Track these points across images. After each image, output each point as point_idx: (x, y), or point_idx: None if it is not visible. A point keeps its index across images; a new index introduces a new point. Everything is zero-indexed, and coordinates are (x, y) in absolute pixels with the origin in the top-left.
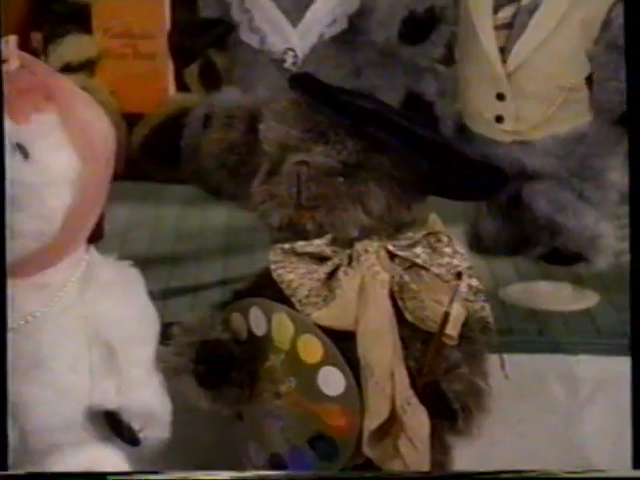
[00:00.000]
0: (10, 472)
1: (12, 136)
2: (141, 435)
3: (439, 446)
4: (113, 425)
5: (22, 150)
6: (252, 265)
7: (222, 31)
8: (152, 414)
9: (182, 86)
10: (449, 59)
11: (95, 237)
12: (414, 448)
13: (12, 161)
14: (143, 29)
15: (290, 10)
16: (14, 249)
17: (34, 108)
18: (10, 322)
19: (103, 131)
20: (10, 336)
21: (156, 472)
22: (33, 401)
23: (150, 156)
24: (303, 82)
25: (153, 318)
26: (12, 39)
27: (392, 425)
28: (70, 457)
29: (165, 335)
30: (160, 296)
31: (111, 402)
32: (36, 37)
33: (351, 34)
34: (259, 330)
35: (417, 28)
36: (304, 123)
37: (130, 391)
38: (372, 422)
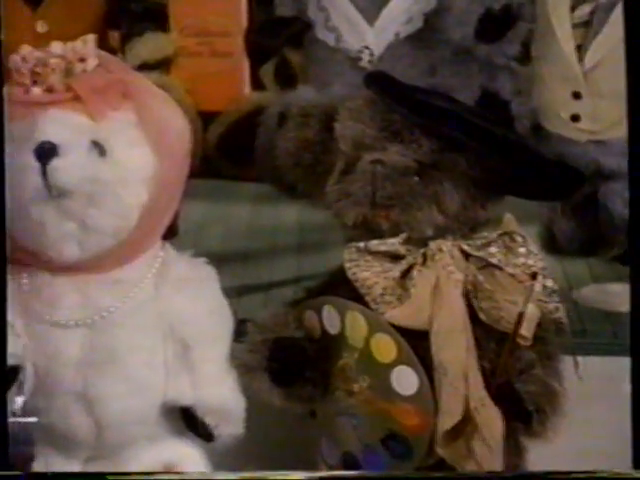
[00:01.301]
0: (10, 472)
1: (89, 134)
2: (215, 431)
3: (513, 447)
4: (188, 421)
5: (99, 148)
6: (325, 263)
7: (298, 29)
8: (226, 410)
9: (257, 84)
10: (525, 57)
11: (170, 234)
12: (488, 449)
13: (89, 159)
14: (220, 27)
15: (366, 8)
16: (90, 245)
17: (111, 106)
18: (85, 317)
19: (179, 129)
20: (85, 331)
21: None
22: (108, 395)
23: (225, 154)
24: (379, 81)
25: (227, 315)
26: (91, 38)
27: (466, 425)
28: (146, 452)
29: (239, 332)
30: (233, 293)
31: (186, 398)
32: (114, 36)
33: (427, 32)
34: (333, 328)
35: (494, 26)
36: (379, 122)
37: (204, 387)
38: (446, 422)
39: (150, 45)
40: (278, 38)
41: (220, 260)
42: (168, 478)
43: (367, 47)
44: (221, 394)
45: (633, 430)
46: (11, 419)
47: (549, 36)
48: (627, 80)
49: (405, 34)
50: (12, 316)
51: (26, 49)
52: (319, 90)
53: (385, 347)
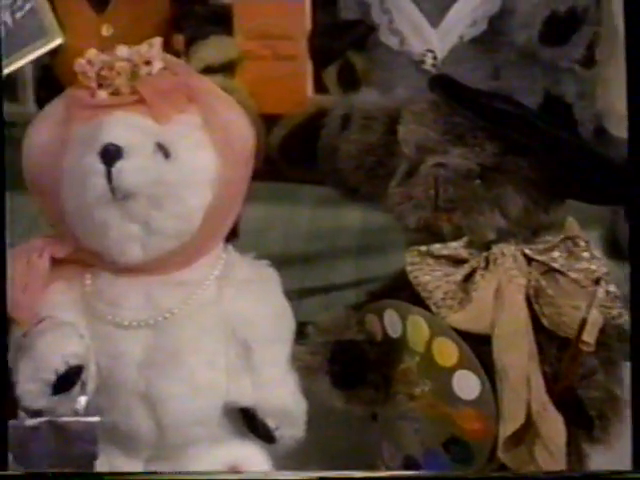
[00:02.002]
0: (10, 472)
1: (154, 136)
2: (276, 433)
3: (575, 453)
4: (249, 422)
5: (163, 150)
6: (386, 266)
7: (362, 32)
8: (287, 412)
9: (320, 87)
10: (589, 60)
11: (232, 236)
12: (550, 455)
13: (154, 161)
14: (283, 31)
15: (430, 11)
16: (154, 247)
17: (176, 109)
18: (148, 318)
19: (243, 132)
20: (148, 332)
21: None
22: (170, 396)
23: (287, 156)
24: (442, 84)
25: (289, 317)
26: (157, 41)
27: (528, 431)
28: (208, 453)
29: (300, 334)
30: (294, 296)
31: (247, 399)
32: (178, 39)
33: (491, 35)
34: (394, 332)
35: (558, 29)
36: (443, 125)
37: (265, 389)
38: (507, 427)
39: (214, 48)
40: (342, 41)
41: (281, 262)
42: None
43: (431, 50)
44: (282, 396)
45: (633, 430)
46: (74, 418)
47: (614, 39)
48: (627, 79)
49: (469, 37)
50: (75, 316)
51: (92, 53)
52: (382, 93)
53: (446, 351)
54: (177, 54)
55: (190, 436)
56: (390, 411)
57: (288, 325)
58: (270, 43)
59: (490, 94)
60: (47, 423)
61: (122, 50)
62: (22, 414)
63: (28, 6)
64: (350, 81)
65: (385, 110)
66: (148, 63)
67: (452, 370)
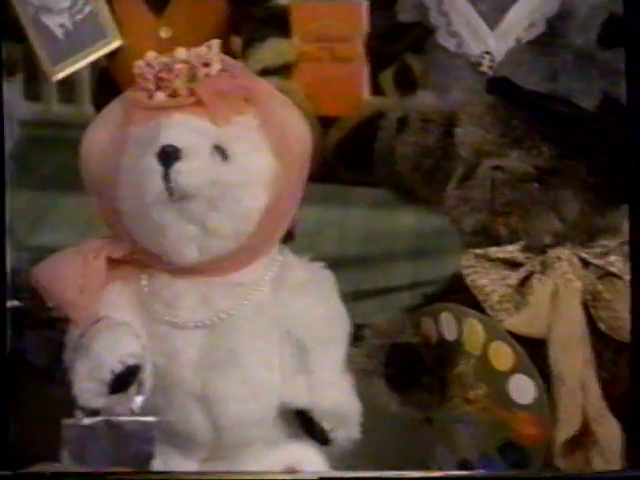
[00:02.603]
0: (10, 472)
1: (212, 138)
2: (331, 435)
3: (632, 459)
4: (304, 424)
5: (221, 152)
6: (442, 269)
7: (419, 35)
8: (342, 414)
9: (377, 90)
10: None
11: (287, 238)
12: (606, 461)
13: (211, 163)
14: (341, 33)
15: (488, 13)
16: (210, 248)
17: (234, 110)
18: (205, 318)
19: (301, 133)
20: (204, 332)
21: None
22: (226, 397)
23: (343, 159)
24: (500, 86)
25: (344, 319)
26: (215, 43)
27: (584, 437)
28: (264, 454)
29: (356, 337)
30: (350, 298)
31: (302, 401)
32: (235, 41)
33: (549, 37)
34: (450, 335)
35: (617, 31)
36: (500, 127)
37: (321, 391)
38: (563, 432)
39: (272, 50)
40: (399, 43)
41: (336, 265)
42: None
43: (488, 52)
44: (337, 398)
45: (633, 430)
46: (131, 418)
47: None
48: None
49: (527, 39)
50: (131, 316)
51: (151, 55)
52: (439, 95)
53: (502, 355)
54: (234, 56)
55: (246, 437)
56: (445, 414)
57: (343, 327)
58: (327, 45)
59: (547, 96)
60: (103, 422)
61: (181, 52)
62: (79, 413)
63: (88, 9)
64: (407, 83)
65: (442, 112)
66: (207, 65)
67: (508, 374)
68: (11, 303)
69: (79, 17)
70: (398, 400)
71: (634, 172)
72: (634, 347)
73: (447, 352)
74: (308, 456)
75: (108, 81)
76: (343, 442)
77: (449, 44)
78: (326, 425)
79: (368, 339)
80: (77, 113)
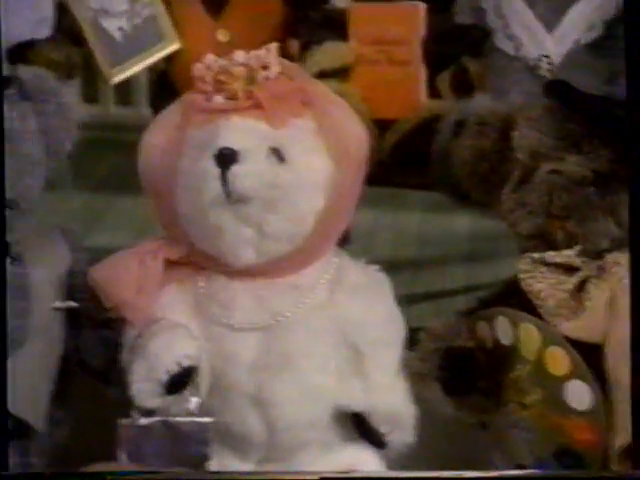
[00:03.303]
0: (10, 472)
1: (269, 141)
2: (387, 438)
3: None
4: (359, 427)
5: (278, 154)
6: (497, 273)
7: (477, 37)
8: (398, 418)
9: (433, 92)
10: None
11: (342, 241)
12: None
13: (268, 165)
14: (398, 35)
15: (546, 16)
16: (267, 251)
17: (292, 113)
18: (261, 321)
19: (357, 136)
20: (260, 334)
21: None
22: (281, 399)
23: (399, 161)
24: (558, 89)
25: (399, 323)
26: (274, 46)
27: None
28: (319, 457)
29: (411, 340)
30: (404, 301)
31: (357, 404)
32: (292, 44)
33: (607, 40)
34: (505, 339)
35: None
36: (558, 131)
37: (376, 394)
38: (620, 439)
39: (329, 53)
40: (456, 46)
41: (390, 267)
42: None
43: (546, 55)
44: (393, 402)
45: (633, 430)
46: (187, 418)
47: None
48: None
49: (585, 42)
50: (188, 318)
51: (210, 57)
52: (496, 98)
53: (558, 360)
54: (291, 59)
55: (301, 439)
56: (501, 419)
57: (399, 330)
58: (384, 48)
59: (605, 100)
60: (160, 423)
61: (239, 55)
62: (135, 414)
63: (146, 12)
64: (464, 86)
65: (499, 116)
66: (265, 68)
67: (564, 379)
68: (68, 304)
69: (137, 20)
70: (453, 404)
71: (634, 172)
72: (634, 347)
73: (503, 357)
74: (364, 459)
75: (166, 84)
76: (398, 446)
77: (507, 47)
78: (381, 428)
79: (423, 343)
80: (134, 115)
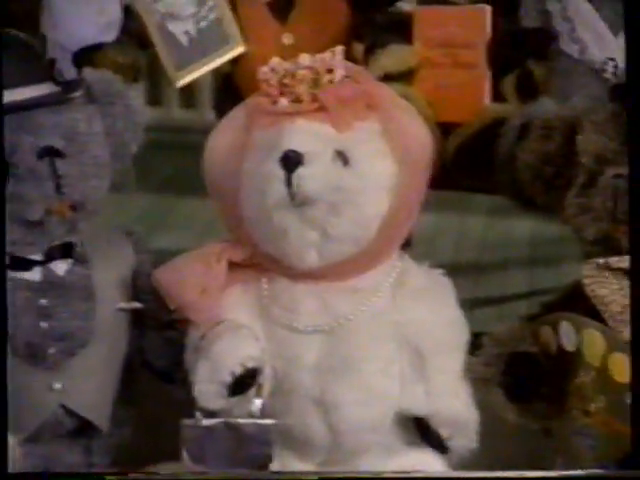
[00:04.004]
0: (10, 472)
1: (334, 143)
2: (449, 443)
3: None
4: (422, 431)
5: (343, 157)
6: (559, 278)
7: (542, 41)
8: (460, 423)
9: (498, 96)
10: None
11: (404, 244)
12: None
13: (333, 168)
14: (464, 39)
15: (612, 19)
16: (331, 254)
17: (357, 116)
18: (324, 323)
19: (422, 140)
20: (323, 337)
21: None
22: (344, 402)
23: (462, 165)
24: (624, 93)
25: (463, 327)
26: (339, 50)
27: None
28: (381, 460)
29: (474, 345)
30: (466, 305)
31: (420, 408)
32: (357, 48)
33: None
34: (569, 345)
35: None
36: (623, 135)
37: (439, 399)
38: None
39: (394, 56)
40: (522, 49)
41: (452, 272)
42: None
43: (612, 59)
44: (455, 406)
45: (633, 430)
46: (249, 420)
47: None
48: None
49: None
50: (251, 319)
51: (276, 60)
52: (561, 102)
53: (623, 367)
54: (356, 62)
55: (363, 443)
56: (564, 426)
57: (462, 335)
58: (450, 51)
59: None
60: (223, 424)
61: (305, 58)
62: (198, 414)
63: (212, 16)
64: (528, 90)
65: (564, 119)
66: (330, 71)
67: (628, 386)
68: (133, 305)
69: (203, 24)
70: (516, 410)
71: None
72: (634, 346)
73: (567, 363)
74: (427, 464)
75: (230, 87)
76: (460, 450)
77: (572, 50)
78: (444, 433)
79: (486, 347)
80: (197, 118)
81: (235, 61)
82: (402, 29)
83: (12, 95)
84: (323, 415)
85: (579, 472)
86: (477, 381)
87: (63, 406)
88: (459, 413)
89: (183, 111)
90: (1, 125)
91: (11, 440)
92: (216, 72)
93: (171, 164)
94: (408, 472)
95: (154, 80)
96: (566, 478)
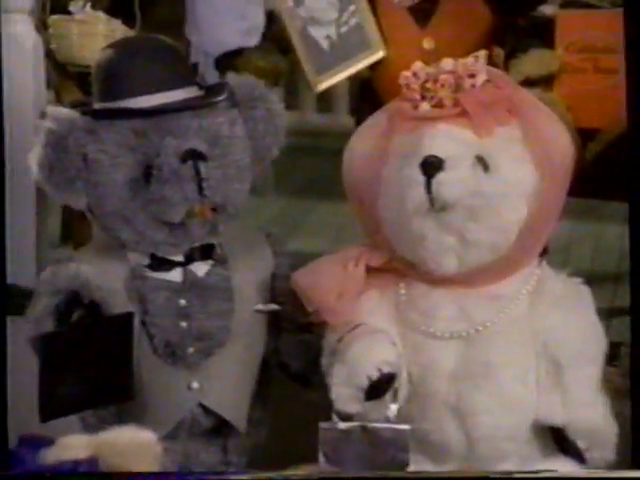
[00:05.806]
0: (10, 472)
1: (474, 149)
2: (587, 455)
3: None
4: (559, 442)
5: (483, 163)
6: None
7: None
8: (598, 434)
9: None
10: None
11: (542, 252)
12: None
13: (473, 174)
14: (606, 43)
15: None
16: (469, 260)
17: (498, 122)
18: (461, 330)
19: (563, 147)
20: (460, 343)
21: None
22: (481, 409)
23: (601, 172)
24: None
25: (601, 337)
26: (482, 54)
27: None
28: (517, 469)
29: (612, 355)
30: (604, 315)
31: (557, 418)
32: (497, 52)
33: None
34: None
35: None
36: None
37: (576, 409)
38: None
39: (534, 61)
40: None
41: (589, 280)
42: None
43: None
44: (593, 417)
45: (633, 430)
46: (385, 425)
47: None
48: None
49: None
50: (388, 324)
51: (418, 65)
52: None
53: None
54: (495, 66)
55: (499, 451)
56: None
57: (600, 345)
58: (591, 56)
59: None
60: (359, 428)
61: (447, 63)
62: (335, 417)
63: (354, 21)
64: None
65: None
66: (472, 76)
67: None
68: (270, 307)
69: (344, 29)
70: None
71: (633, 172)
72: (634, 346)
73: None
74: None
75: (369, 92)
76: (598, 462)
77: None
78: (581, 444)
79: (625, 358)
80: (334, 122)
81: (374, 66)
82: (544, 33)
83: (157, 99)
84: (459, 422)
85: (579, 472)
86: (615, 392)
87: (201, 405)
88: (597, 425)
89: (319, 115)
90: (1, 125)
91: (151, 436)
92: (354, 77)
93: (307, 168)
94: (536, 472)
95: (291, 84)
96: (566, 478)
